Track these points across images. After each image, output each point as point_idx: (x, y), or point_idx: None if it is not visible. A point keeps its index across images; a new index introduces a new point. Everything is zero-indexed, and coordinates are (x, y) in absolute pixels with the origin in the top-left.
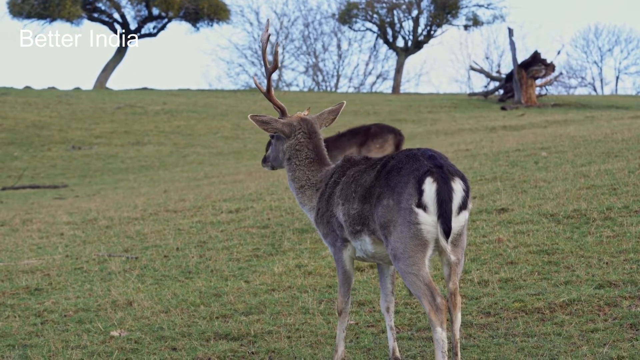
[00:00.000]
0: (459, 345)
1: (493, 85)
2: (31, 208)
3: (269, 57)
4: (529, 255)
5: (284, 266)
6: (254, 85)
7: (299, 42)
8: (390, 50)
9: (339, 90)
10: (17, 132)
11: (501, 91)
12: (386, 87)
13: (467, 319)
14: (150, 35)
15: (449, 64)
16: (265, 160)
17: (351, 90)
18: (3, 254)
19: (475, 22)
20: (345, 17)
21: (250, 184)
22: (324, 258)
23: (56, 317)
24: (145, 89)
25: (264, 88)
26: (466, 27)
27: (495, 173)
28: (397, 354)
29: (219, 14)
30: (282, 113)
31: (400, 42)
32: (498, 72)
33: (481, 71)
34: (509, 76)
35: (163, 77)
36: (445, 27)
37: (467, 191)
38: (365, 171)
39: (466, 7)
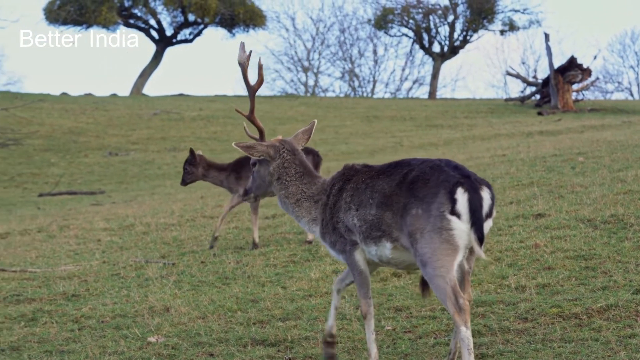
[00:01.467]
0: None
1: (529, 90)
2: (68, 214)
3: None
4: (566, 260)
5: (320, 272)
6: (290, 91)
7: (335, 47)
8: (427, 56)
9: (375, 96)
10: (54, 138)
11: (538, 96)
12: (422, 92)
13: (505, 325)
14: (186, 41)
15: (485, 69)
16: (247, 193)
17: (387, 95)
18: (40, 260)
19: (512, 27)
20: (381, 23)
21: None
22: None
23: (93, 323)
24: (181, 95)
25: (246, 111)
26: (502, 32)
27: (532, 178)
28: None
29: (254, 20)
30: (261, 135)
31: (436, 48)
32: (534, 77)
33: (517, 76)
34: (546, 81)
35: (199, 83)
36: (481, 32)
37: (493, 199)
38: (377, 177)
39: (502, 12)
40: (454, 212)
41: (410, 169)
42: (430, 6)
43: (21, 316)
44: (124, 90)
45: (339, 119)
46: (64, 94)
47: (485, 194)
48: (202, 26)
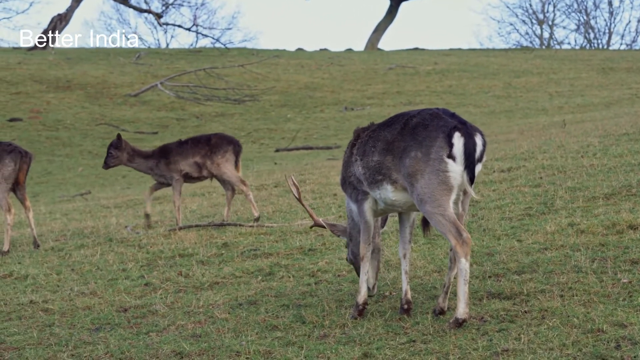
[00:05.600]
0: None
1: None
2: (304, 169)
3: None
4: None
5: (556, 225)
6: (525, 44)
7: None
8: None
9: (610, 47)
10: (289, 94)
11: None
12: None
13: None
14: None
15: None
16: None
17: (623, 47)
18: (277, 215)
19: None
20: None
21: (522, 143)
22: (597, 216)
23: (330, 277)
24: (416, 49)
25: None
26: None
27: None
28: (409, 295)
29: None
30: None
31: None
32: None
33: None
34: None
35: (434, 37)
36: None
37: (484, 145)
38: (380, 129)
39: None
40: (450, 156)
41: (410, 116)
42: None
43: (258, 270)
44: (359, 45)
45: (574, 72)
46: (300, 49)
47: (478, 139)
48: None
